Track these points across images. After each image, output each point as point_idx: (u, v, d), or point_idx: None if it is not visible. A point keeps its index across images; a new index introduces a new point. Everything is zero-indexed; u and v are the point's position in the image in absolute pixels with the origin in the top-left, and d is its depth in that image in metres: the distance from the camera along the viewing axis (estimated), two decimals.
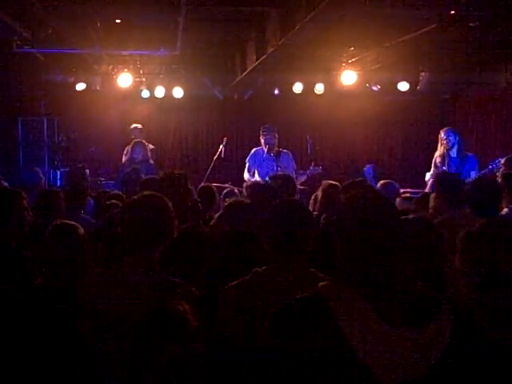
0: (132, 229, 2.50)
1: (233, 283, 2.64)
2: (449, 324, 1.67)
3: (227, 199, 5.26)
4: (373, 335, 1.62)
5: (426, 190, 6.58)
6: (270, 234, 2.62)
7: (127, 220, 2.53)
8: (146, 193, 2.67)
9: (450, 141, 7.44)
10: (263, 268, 2.61)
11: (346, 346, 1.61)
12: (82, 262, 2.91)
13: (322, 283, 1.78)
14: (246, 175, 8.01)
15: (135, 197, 2.64)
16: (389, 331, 1.62)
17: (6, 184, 6.28)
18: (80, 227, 3.00)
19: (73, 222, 3.03)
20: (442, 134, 7.55)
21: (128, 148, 8.85)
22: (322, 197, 5.12)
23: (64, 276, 2.83)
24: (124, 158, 8.87)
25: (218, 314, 2.56)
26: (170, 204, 2.64)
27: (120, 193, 5.11)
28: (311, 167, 8.23)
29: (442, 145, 7.54)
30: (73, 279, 2.78)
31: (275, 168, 7.64)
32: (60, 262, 2.85)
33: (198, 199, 4.92)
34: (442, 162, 7.47)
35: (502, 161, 6.49)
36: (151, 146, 9.30)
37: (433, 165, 7.69)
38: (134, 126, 9.53)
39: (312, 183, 7.87)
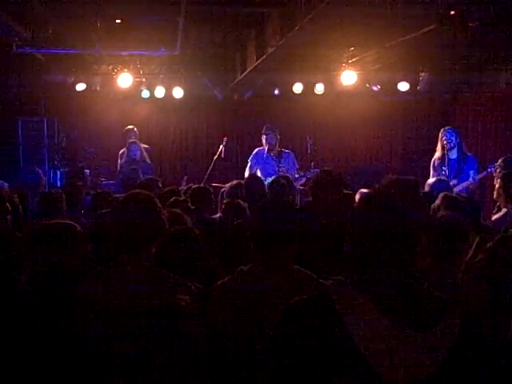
0: (123, 227, 2.53)
1: (220, 282, 2.68)
2: (456, 325, 1.66)
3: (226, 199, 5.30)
4: (379, 336, 1.61)
5: None
6: (255, 232, 2.64)
7: (117, 219, 2.57)
8: (132, 191, 2.71)
9: (451, 141, 7.29)
10: (248, 266, 2.64)
11: (351, 346, 1.60)
12: (79, 261, 2.89)
13: (330, 282, 1.76)
14: (247, 175, 8.04)
15: (122, 196, 2.68)
16: (395, 332, 1.61)
17: (5, 184, 6.27)
18: (77, 226, 2.98)
19: (70, 222, 3.01)
20: (443, 135, 7.41)
21: (124, 149, 8.87)
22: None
23: (57, 277, 2.80)
24: (121, 160, 8.88)
25: (207, 312, 2.58)
26: (157, 200, 2.68)
27: (108, 191, 5.09)
28: (311, 169, 8.25)
29: (441, 146, 7.43)
30: (67, 280, 2.77)
31: (276, 168, 7.66)
32: (54, 262, 2.81)
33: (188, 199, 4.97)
34: (442, 164, 7.37)
35: (499, 161, 6.45)
36: (145, 146, 9.32)
37: (431, 168, 7.54)
38: (129, 127, 9.54)
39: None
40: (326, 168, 4.73)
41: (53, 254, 2.77)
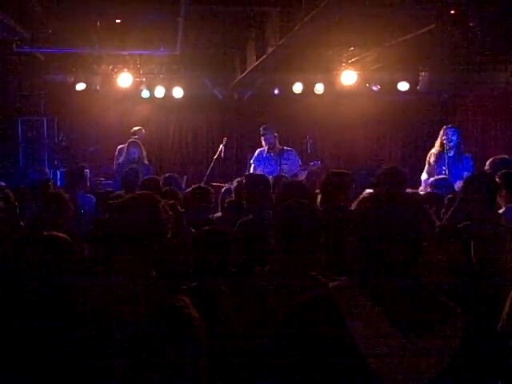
0: (120, 229, 2.49)
1: (233, 280, 2.68)
2: (459, 329, 1.65)
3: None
4: (380, 339, 1.60)
5: (426, 190, 6.55)
6: (277, 235, 2.63)
7: (116, 220, 2.53)
8: (137, 193, 2.64)
9: (452, 141, 7.24)
10: (266, 268, 2.63)
11: (353, 349, 1.59)
12: (71, 268, 2.90)
13: (333, 283, 1.75)
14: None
15: (125, 197, 2.63)
16: (397, 336, 1.60)
17: (3, 184, 6.27)
18: (62, 237, 2.99)
19: (56, 233, 3.03)
20: (444, 133, 7.36)
21: (124, 147, 8.84)
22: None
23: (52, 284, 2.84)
24: (119, 158, 8.86)
25: (216, 309, 2.58)
26: (164, 203, 2.60)
27: (122, 193, 5.05)
28: (310, 163, 8.32)
29: (441, 143, 7.40)
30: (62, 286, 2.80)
31: (278, 167, 7.67)
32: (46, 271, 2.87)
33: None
34: (437, 161, 7.35)
35: (487, 163, 6.39)
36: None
37: (427, 162, 7.49)
38: (138, 128, 9.52)
39: (312, 178, 7.88)
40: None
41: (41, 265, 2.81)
